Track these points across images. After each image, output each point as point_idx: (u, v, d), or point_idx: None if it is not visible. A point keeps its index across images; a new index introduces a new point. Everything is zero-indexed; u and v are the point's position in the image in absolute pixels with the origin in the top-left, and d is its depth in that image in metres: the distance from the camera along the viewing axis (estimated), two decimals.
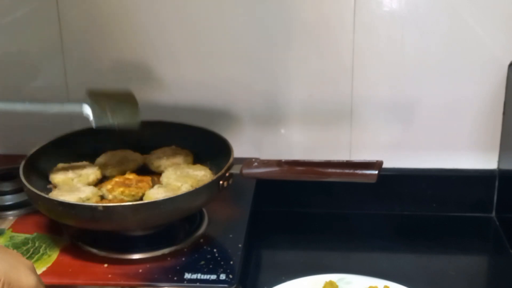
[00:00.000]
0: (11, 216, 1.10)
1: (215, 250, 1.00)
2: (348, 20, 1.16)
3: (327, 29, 1.17)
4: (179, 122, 1.18)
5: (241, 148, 1.12)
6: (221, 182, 0.99)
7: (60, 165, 1.12)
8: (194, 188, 1.01)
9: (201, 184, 1.02)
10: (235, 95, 1.23)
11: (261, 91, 1.22)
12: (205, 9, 1.18)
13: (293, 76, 1.21)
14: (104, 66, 1.24)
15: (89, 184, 1.08)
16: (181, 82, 1.23)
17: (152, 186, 1.06)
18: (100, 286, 0.94)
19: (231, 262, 0.97)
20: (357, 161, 0.96)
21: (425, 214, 1.24)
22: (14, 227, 1.07)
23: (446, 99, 1.19)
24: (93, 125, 1.02)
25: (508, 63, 1.16)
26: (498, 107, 1.19)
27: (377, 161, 0.94)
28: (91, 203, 1.00)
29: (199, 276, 0.94)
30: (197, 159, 1.14)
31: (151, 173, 1.13)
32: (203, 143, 1.14)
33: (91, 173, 1.10)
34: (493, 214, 1.23)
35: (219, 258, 0.98)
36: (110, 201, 1.03)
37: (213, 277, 0.94)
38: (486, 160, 1.22)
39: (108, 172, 1.12)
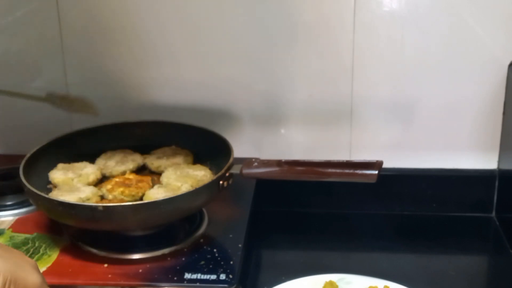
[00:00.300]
0: (11, 216, 1.10)
1: (215, 250, 1.00)
2: (348, 20, 1.16)
3: (327, 29, 1.17)
4: (179, 122, 1.18)
5: (241, 148, 1.12)
6: (221, 182, 0.99)
7: (60, 165, 1.12)
8: (194, 188, 1.01)
9: (201, 184, 1.02)
10: (235, 95, 1.23)
11: (261, 91, 1.22)
12: (205, 9, 1.18)
13: (293, 76, 1.21)
14: (104, 66, 1.24)
15: (89, 184, 1.08)
16: (181, 82, 1.23)
17: (152, 186, 1.06)
18: (100, 286, 0.94)
19: (231, 262, 0.97)
20: (357, 161, 0.96)
21: (425, 214, 1.24)
22: (14, 227, 1.07)
23: (446, 99, 1.19)
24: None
25: (508, 63, 1.16)
26: (498, 107, 1.19)
27: (377, 161, 0.94)
28: (91, 203, 1.00)
29: (199, 276, 0.94)
30: (197, 159, 1.14)
31: (151, 173, 1.13)
32: (203, 143, 1.14)
33: (91, 173, 1.10)
34: (493, 214, 1.23)
35: (219, 258, 0.98)
36: (110, 201, 1.03)
37: (213, 277, 0.94)
38: (486, 160, 1.22)
39: (108, 172, 1.12)
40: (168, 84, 1.24)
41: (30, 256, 0.98)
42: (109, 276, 0.94)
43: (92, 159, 1.14)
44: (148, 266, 0.97)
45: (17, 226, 1.07)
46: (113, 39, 1.22)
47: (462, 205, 1.23)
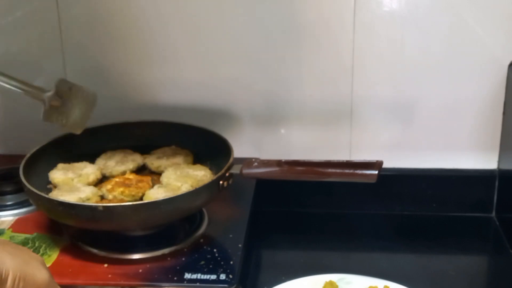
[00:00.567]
0: (11, 216, 1.10)
1: (215, 250, 1.00)
2: (348, 20, 1.16)
3: (327, 29, 1.17)
4: (179, 122, 1.18)
5: (241, 148, 1.12)
6: (221, 182, 0.99)
7: (60, 165, 1.12)
8: (194, 188, 1.01)
9: (201, 184, 1.02)
10: (235, 95, 1.23)
11: (261, 91, 1.22)
12: (205, 8, 1.18)
13: (293, 76, 1.21)
14: (104, 66, 1.24)
15: (89, 184, 1.08)
16: (181, 82, 1.23)
17: (152, 186, 1.06)
18: (100, 286, 0.94)
19: (231, 262, 0.97)
20: (357, 161, 0.96)
21: (425, 214, 1.24)
22: (14, 227, 1.07)
23: (446, 99, 1.19)
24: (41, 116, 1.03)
25: (508, 63, 1.16)
26: (498, 107, 1.19)
27: (377, 161, 0.94)
28: (91, 203, 1.00)
29: (199, 276, 0.94)
30: (197, 159, 1.14)
31: (151, 173, 1.13)
32: (203, 143, 1.14)
33: (91, 173, 1.10)
34: (493, 214, 1.23)
35: (219, 258, 0.98)
36: (110, 201, 1.03)
37: (213, 277, 0.94)
38: (486, 160, 1.22)
39: (108, 172, 1.12)
40: (168, 84, 1.24)
41: None
42: (109, 276, 0.94)
43: (92, 159, 1.14)
44: (148, 266, 0.97)
45: (17, 226, 1.07)
46: (113, 39, 1.22)
47: (462, 205, 1.23)
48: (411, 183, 1.24)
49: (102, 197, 1.05)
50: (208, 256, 0.99)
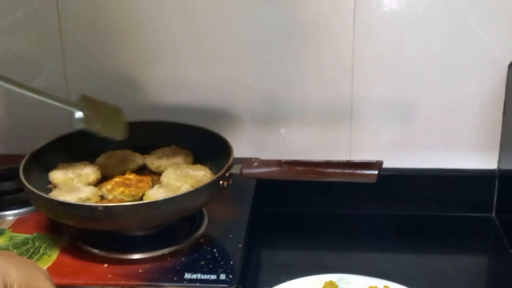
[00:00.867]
0: (11, 216, 1.10)
1: (215, 250, 1.00)
2: (348, 20, 1.16)
3: (327, 29, 1.17)
4: (179, 122, 1.18)
5: (241, 148, 1.12)
6: (221, 182, 0.99)
7: (60, 165, 1.11)
8: (194, 188, 1.01)
9: (201, 184, 1.02)
10: (235, 95, 1.23)
11: (261, 91, 1.22)
12: (206, 9, 1.18)
13: (293, 76, 1.21)
14: (104, 66, 1.24)
15: (89, 184, 1.08)
16: (181, 82, 1.23)
17: (152, 186, 1.06)
18: (100, 286, 0.94)
19: (231, 262, 0.97)
20: (357, 161, 0.96)
21: (425, 214, 1.24)
22: (14, 227, 1.07)
23: (446, 99, 1.19)
24: (79, 126, 1.02)
25: (508, 63, 1.16)
26: (498, 107, 1.19)
27: (377, 161, 0.94)
28: (91, 203, 1.00)
29: (199, 276, 0.94)
30: (197, 159, 1.14)
31: (151, 173, 1.13)
32: (203, 143, 1.14)
33: (91, 173, 1.10)
34: (493, 214, 1.23)
35: (219, 258, 0.98)
36: (110, 201, 1.03)
37: (213, 277, 0.94)
38: (486, 160, 1.22)
39: (108, 172, 1.12)
40: (168, 84, 1.24)
41: (30, 256, 0.98)
42: (109, 276, 0.94)
43: (92, 159, 1.14)
44: (148, 266, 0.97)
45: (17, 226, 1.07)
46: (113, 39, 1.22)
47: (462, 205, 1.23)
48: (411, 183, 1.24)
49: (102, 197, 1.05)
50: (208, 256, 0.99)
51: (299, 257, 1.12)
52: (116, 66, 1.24)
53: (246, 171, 1.00)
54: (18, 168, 1.03)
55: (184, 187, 1.03)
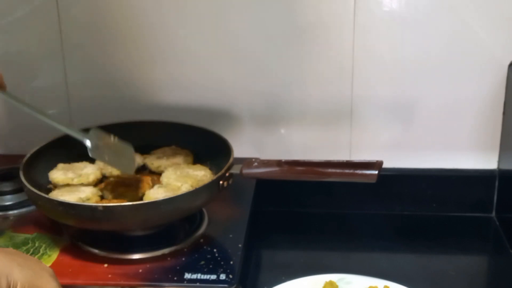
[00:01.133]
0: (11, 216, 1.11)
1: (215, 250, 1.00)
2: (348, 20, 1.16)
3: (327, 29, 1.17)
4: (179, 122, 1.18)
5: (241, 148, 1.12)
6: (221, 182, 0.99)
7: (60, 165, 1.11)
8: (194, 188, 1.01)
9: (201, 184, 1.02)
10: (235, 95, 1.23)
11: (261, 91, 1.22)
12: (206, 9, 1.18)
13: (293, 76, 1.21)
14: (104, 67, 1.24)
15: (89, 184, 1.08)
16: (181, 82, 1.23)
17: (152, 186, 1.06)
18: (100, 286, 0.94)
19: (231, 262, 0.97)
20: (357, 161, 0.96)
21: (425, 214, 1.24)
22: (14, 227, 1.07)
23: (446, 99, 1.19)
24: (90, 155, 1.02)
25: (508, 63, 1.16)
26: (498, 107, 1.19)
27: (377, 161, 0.94)
28: (91, 203, 1.00)
29: (199, 276, 0.94)
30: (197, 159, 1.14)
31: (151, 173, 1.13)
32: (203, 143, 1.14)
33: (91, 173, 1.10)
34: (493, 214, 1.23)
35: (219, 258, 0.98)
36: (110, 201, 1.03)
37: (213, 277, 0.94)
38: (486, 160, 1.22)
39: (108, 172, 1.12)
40: (168, 84, 1.24)
41: None
42: (109, 276, 0.94)
43: (92, 159, 1.14)
44: (148, 266, 0.97)
45: (17, 226, 1.07)
46: (112, 39, 1.22)
47: (462, 205, 1.23)
48: (411, 183, 1.24)
49: (102, 197, 1.05)
50: (208, 256, 0.99)
51: (299, 257, 1.12)
52: (116, 67, 1.24)
53: (246, 171, 1.00)
54: (18, 168, 1.03)
55: (184, 187, 1.03)
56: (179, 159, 1.13)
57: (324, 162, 0.97)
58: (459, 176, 1.23)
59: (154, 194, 1.02)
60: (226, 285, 0.92)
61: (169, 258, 0.99)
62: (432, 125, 1.21)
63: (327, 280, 0.95)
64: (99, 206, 0.93)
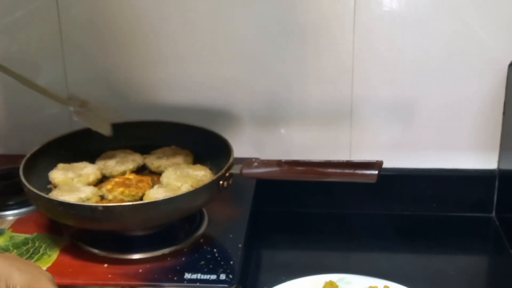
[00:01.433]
0: (11, 216, 1.10)
1: (215, 250, 1.00)
2: (348, 20, 1.16)
3: (327, 29, 1.17)
4: (179, 122, 1.18)
5: (241, 148, 1.12)
6: (221, 182, 0.99)
7: (60, 165, 1.11)
8: (194, 188, 1.01)
9: (201, 184, 1.02)
10: (235, 95, 1.23)
11: (261, 91, 1.22)
12: (206, 9, 1.18)
13: (293, 76, 1.21)
14: (104, 66, 1.24)
15: (89, 184, 1.08)
16: (181, 82, 1.23)
17: (152, 186, 1.06)
18: (100, 286, 0.94)
19: (231, 262, 0.97)
20: (357, 161, 0.96)
21: (425, 214, 1.24)
22: (14, 227, 1.07)
23: (446, 99, 1.19)
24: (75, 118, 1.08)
25: (508, 63, 1.16)
26: (498, 107, 1.19)
27: (377, 161, 0.94)
28: (91, 203, 1.00)
29: (199, 276, 0.94)
30: (197, 159, 1.14)
31: (151, 173, 1.13)
32: (203, 143, 1.14)
33: (91, 173, 1.10)
34: (493, 214, 1.23)
35: (219, 258, 0.98)
36: (110, 201, 1.03)
37: (213, 277, 0.94)
38: (486, 160, 1.22)
39: (108, 172, 1.12)
40: (168, 84, 1.24)
41: (30, 256, 0.98)
42: (109, 276, 0.94)
43: (92, 159, 1.14)
44: (148, 266, 0.97)
45: (17, 226, 1.07)
46: (112, 39, 1.22)
47: (462, 205, 1.23)
48: (411, 183, 1.24)
49: (102, 197, 1.05)
50: (208, 256, 0.99)
51: (299, 257, 1.12)
52: (116, 66, 1.24)
53: (246, 171, 1.00)
54: (18, 168, 1.03)
55: (184, 187, 1.03)
56: (179, 159, 1.13)
57: (324, 162, 0.97)
58: (459, 176, 1.23)
59: (154, 194, 1.02)
60: (226, 285, 0.92)
61: (169, 258, 0.99)
62: (432, 125, 1.21)
63: (327, 280, 0.95)
64: (99, 206, 0.93)
